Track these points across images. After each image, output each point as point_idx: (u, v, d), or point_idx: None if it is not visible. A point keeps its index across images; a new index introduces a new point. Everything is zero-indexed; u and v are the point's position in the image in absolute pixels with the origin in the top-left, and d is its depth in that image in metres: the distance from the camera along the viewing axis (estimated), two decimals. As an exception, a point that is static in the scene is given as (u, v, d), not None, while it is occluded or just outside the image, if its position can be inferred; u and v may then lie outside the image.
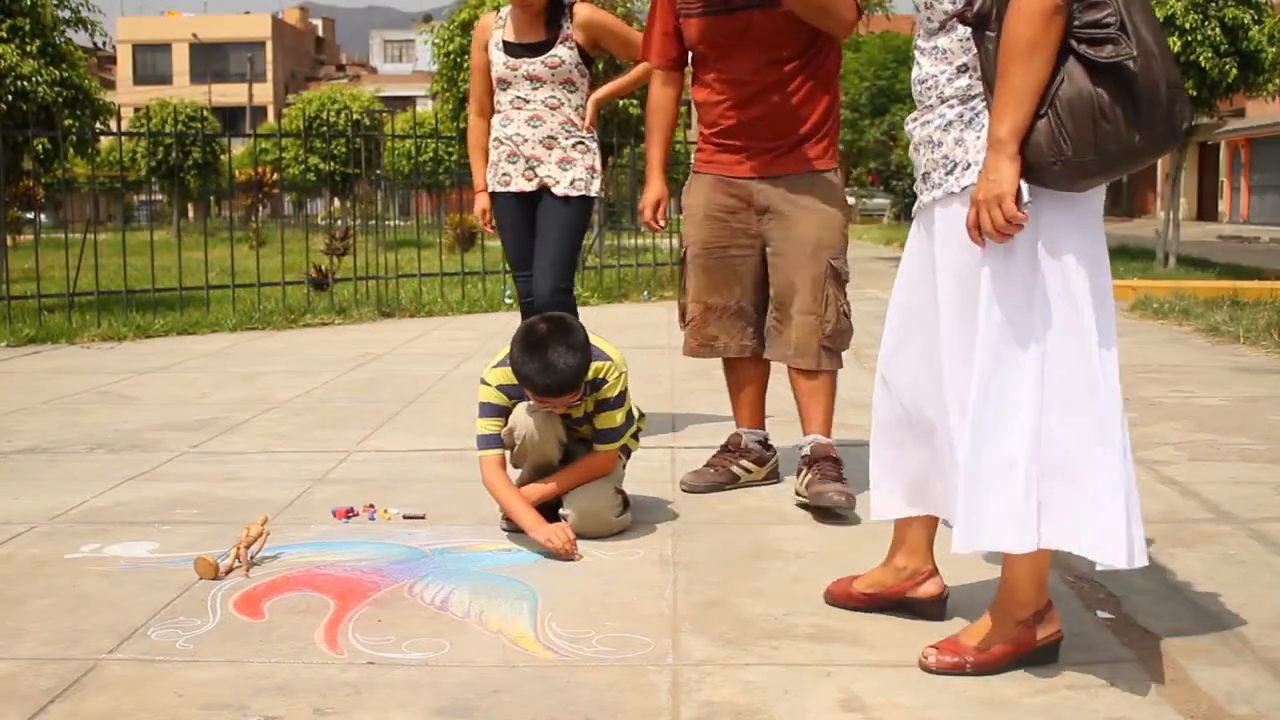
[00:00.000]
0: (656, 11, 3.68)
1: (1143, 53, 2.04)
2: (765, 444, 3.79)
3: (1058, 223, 2.18)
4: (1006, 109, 2.09)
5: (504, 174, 4.25)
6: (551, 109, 4.19)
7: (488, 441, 3.21)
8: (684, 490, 3.66)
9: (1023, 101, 2.08)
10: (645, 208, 3.82)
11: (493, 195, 4.31)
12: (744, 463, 3.72)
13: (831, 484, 3.40)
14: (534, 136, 4.19)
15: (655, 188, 3.80)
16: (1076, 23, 2.07)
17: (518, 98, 4.21)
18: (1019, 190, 2.10)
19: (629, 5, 14.48)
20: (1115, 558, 2.17)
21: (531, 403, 3.16)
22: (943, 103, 2.26)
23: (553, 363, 2.99)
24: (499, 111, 4.27)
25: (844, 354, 3.61)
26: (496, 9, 4.37)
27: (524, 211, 4.25)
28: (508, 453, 3.25)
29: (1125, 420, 2.25)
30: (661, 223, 3.82)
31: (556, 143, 4.20)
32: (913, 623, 2.55)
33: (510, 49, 4.21)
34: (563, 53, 4.16)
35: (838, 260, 3.52)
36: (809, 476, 3.48)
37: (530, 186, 4.21)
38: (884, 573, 2.62)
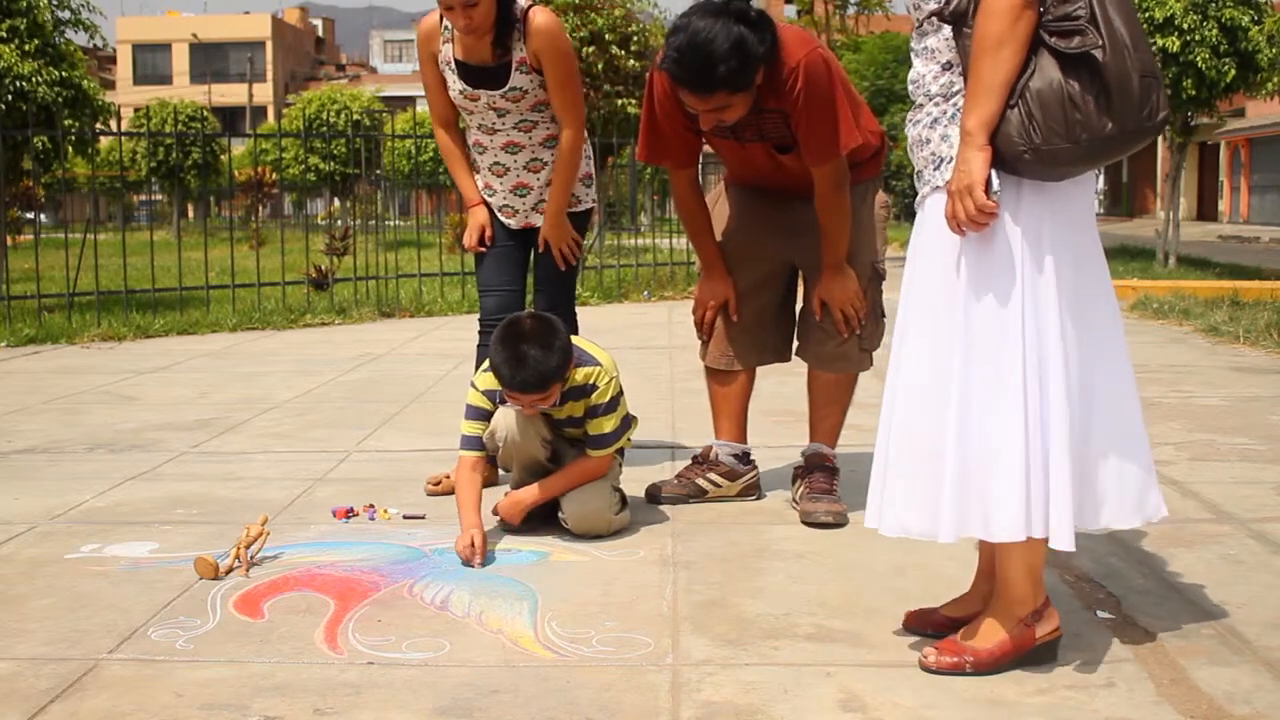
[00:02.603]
0: (663, 118, 3.29)
1: (1113, 43, 2.09)
2: (743, 458, 3.60)
3: (1041, 215, 2.21)
4: (976, 102, 2.15)
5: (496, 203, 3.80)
6: (526, 131, 3.68)
7: (467, 442, 3.25)
8: (646, 494, 3.56)
9: (991, 94, 2.13)
10: (704, 305, 3.51)
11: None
12: (712, 476, 3.55)
13: (822, 500, 3.37)
14: (516, 164, 3.72)
15: (720, 284, 3.50)
16: (1048, 17, 2.13)
17: (483, 125, 3.71)
18: (989, 180, 2.15)
19: (628, 5, 14.45)
20: (1161, 509, 2.36)
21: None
22: (929, 100, 2.31)
23: (523, 357, 2.99)
24: (467, 131, 3.79)
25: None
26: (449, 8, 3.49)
27: (508, 234, 3.80)
28: (488, 455, 3.28)
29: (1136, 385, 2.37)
30: (734, 317, 3.51)
31: (543, 164, 3.72)
32: (913, 623, 2.55)
33: (465, 73, 3.63)
34: (521, 81, 3.58)
35: (880, 263, 3.48)
36: (801, 489, 3.46)
37: (512, 224, 3.78)
38: (970, 599, 2.49)
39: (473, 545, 3.00)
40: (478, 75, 3.63)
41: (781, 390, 5.09)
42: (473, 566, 2.96)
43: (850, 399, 3.57)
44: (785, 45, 3.08)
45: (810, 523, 3.31)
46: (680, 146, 3.36)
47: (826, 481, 3.44)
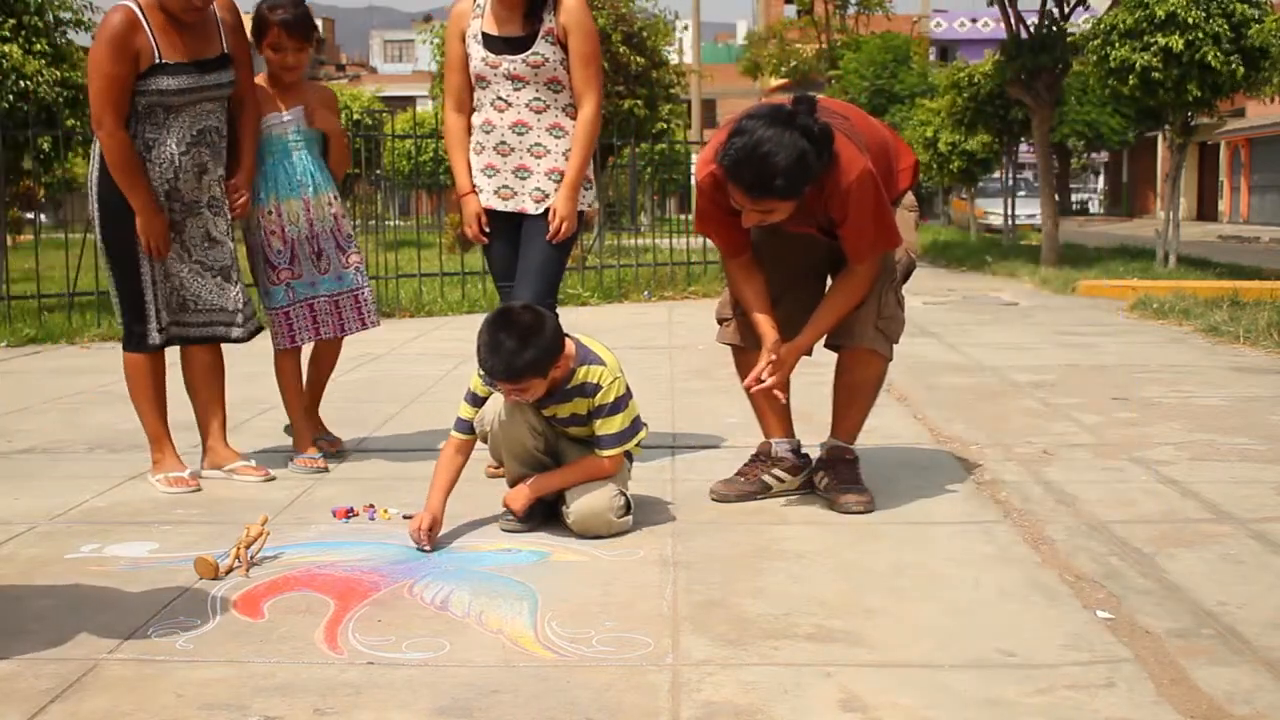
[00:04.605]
0: (708, 205, 3.35)
1: None
2: (798, 452, 3.65)
3: None
4: None
5: (480, 188, 3.88)
6: (537, 112, 3.79)
7: (459, 424, 3.33)
8: (714, 499, 3.56)
9: None
10: (754, 379, 3.39)
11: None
12: (776, 472, 3.60)
13: (851, 491, 3.45)
14: (521, 145, 3.81)
15: (770, 338, 3.38)
16: None
17: (498, 99, 3.80)
18: None
19: (631, 3, 14.45)
20: None
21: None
22: None
23: (499, 345, 3.02)
24: (478, 110, 3.87)
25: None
26: None
27: (507, 220, 3.87)
28: (481, 440, 3.34)
29: None
30: (771, 381, 3.38)
31: (546, 150, 3.81)
32: (913, 623, 2.55)
33: (489, 42, 3.78)
34: (545, 49, 3.74)
35: (913, 257, 3.54)
36: (827, 480, 3.53)
37: (506, 207, 3.84)
38: None
39: (421, 529, 3.12)
40: (503, 44, 3.77)
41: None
42: (425, 550, 3.08)
43: (873, 401, 3.60)
44: (841, 163, 3.15)
45: (844, 512, 3.39)
46: (725, 233, 3.41)
47: (851, 472, 3.51)
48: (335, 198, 4.16)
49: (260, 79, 4.04)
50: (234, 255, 3.90)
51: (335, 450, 4.24)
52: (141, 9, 3.61)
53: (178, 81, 3.63)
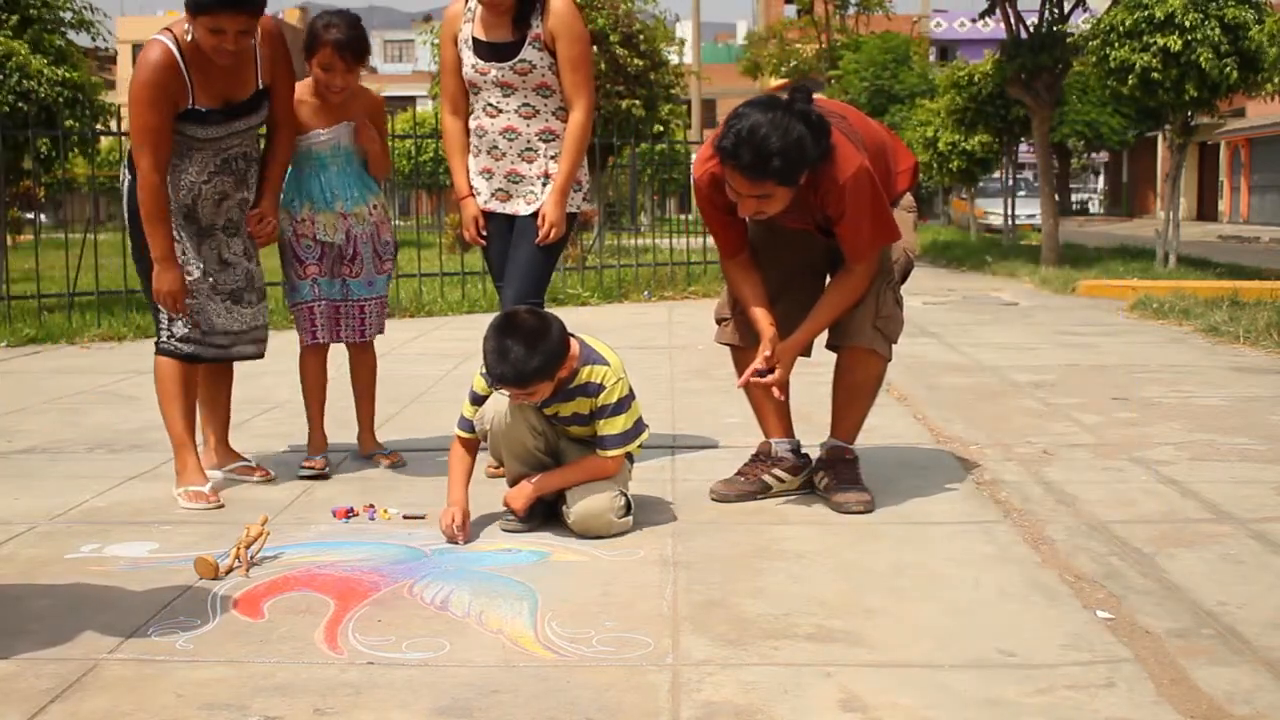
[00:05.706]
0: (703, 203, 3.39)
1: None
2: (798, 452, 3.65)
3: None
4: None
5: (477, 190, 3.92)
6: (526, 118, 3.80)
7: (462, 423, 3.34)
8: (714, 499, 3.56)
9: None
10: (749, 375, 3.42)
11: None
12: (776, 471, 3.60)
13: (851, 491, 3.45)
14: (511, 150, 3.82)
15: (768, 334, 3.38)
16: None
17: (489, 105, 3.82)
18: None
19: (630, 3, 14.44)
20: None
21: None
22: None
23: (506, 352, 3.03)
24: (472, 115, 3.89)
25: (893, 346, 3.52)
26: None
27: (505, 221, 3.90)
28: (482, 439, 3.35)
29: None
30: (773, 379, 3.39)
31: (537, 155, 3.82)
32: (913, 623, 2.55)
33: (479, 49, 3.79)
34: (532, 56, 3.73)
35: (911, 256, 3.54)
36: (826, 480, 3.53)
37: (503, 209, 3.87)
38: None
39: (454, 524, 3.14)
40: (492, 51, 3.77)
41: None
42: (456, 543, 3.11)
43: (873, 401, 3.61)
44: (837, 159, 3.16)
45: (843, 512, 3.39)
46: (723, 231, 3.43)
47: (851, 472, 3.51)
48: (378, 206, 4.06)
49: (305, 91, 3.93)
50: (249, 276, 3.81)
51: (392, 464, 4.10)
52: (179, 46, 3.49)
53: (205, 131, 3.58)
